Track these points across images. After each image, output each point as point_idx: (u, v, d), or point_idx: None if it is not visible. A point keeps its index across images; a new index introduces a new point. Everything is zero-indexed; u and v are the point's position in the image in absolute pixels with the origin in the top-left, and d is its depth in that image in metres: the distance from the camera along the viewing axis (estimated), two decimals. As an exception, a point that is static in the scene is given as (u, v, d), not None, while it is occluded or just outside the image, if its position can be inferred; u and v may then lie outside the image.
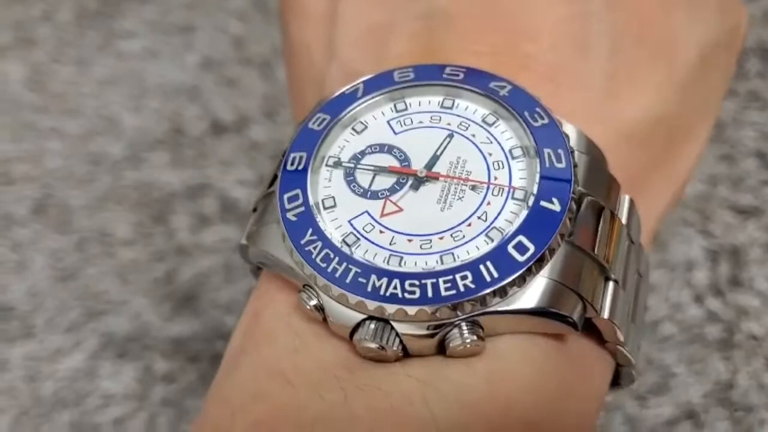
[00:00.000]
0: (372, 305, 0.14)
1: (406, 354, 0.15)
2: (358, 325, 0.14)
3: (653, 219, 0.18)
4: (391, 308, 0.14)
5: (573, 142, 0.16)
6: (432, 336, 0.14)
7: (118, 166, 0.32)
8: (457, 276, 0.14)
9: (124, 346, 0.28)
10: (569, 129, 0.16)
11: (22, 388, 0.27)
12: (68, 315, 0.28)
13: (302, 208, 0.15)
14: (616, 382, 0.17)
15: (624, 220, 0.16)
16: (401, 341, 0.14)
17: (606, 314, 0.15)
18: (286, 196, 0.16)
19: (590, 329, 0.15)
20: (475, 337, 0.14)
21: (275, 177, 0.17)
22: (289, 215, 0.15)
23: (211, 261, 0.29)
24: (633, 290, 0.16)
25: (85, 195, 0.31)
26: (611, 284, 0.15)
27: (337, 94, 0.17)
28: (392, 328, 0.14)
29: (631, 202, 0.16)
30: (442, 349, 0.14)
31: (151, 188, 0.31)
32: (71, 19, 0.36)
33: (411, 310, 0.14)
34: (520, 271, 0.14)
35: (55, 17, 0.36)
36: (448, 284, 0.14)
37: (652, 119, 0.17)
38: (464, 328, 0.14)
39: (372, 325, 0.14)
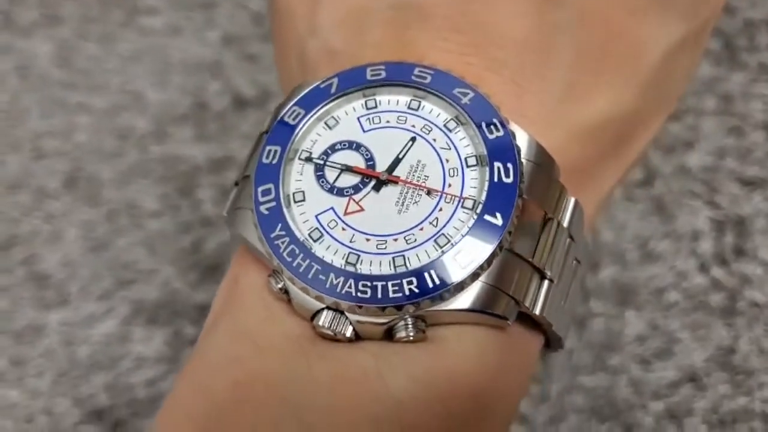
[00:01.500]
0: (329, 300, 0.16)
1: (358, 338, 0.17)
2: (318, 311, 0.16)
3: (598, 201, 0.20)
4: (345, 304, 0.16)
5: (524, 151, 0.17)
6: (381, 325, 0.16)
7: (143, 141, 0.33)
8: (404, 281, 0.16)
9: (154, 313, 0.29)
10: (522, 138, 0.17)
11: (59, 352, 0.29)
12: (100, 283, 0.30)
13: (273, 203, 0.17)
14: (547, 345, 0.19)
15: (566, 223, 0.18)
16: (354, 328, 0.16)
17: (538, 310, 0.17)
18: (260, 189, 0.17)
19: (525, 316, 0.17)
20: (417, 330, 0.16)
21: (252, 154, 0.18)
22: (262, 208, 0.17)
23: (235, 232, 0.30)
24: (569, 279, 0.18)
25: (113, 168, 0.33)
26: (546, 283, 0.17)
27: (312, 86, 0.18)
28: (346, 317, 0.16)
29: (576, 204, 0.18)
30: (389, 336, 0.17)
31: (176, 162, 0.33)
32: (95, -5, 0.37)
33: (362, 306, 0.16)
34: (459, 280, 0.16)
35: (80, -6, 0.37)
36: (396, 287, 0.16)
37: (607, 120, 0.19)
38: (409, 321, 0.16)
39: (329, 314, 0.16)
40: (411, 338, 0.16)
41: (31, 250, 0.31)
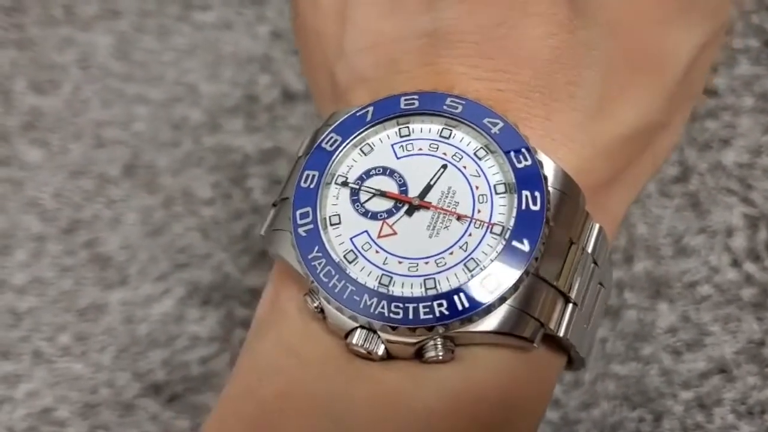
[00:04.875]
0: (362, 320, 0.17)
1: (389, 357, 0.17)
2: (351, 330, 0.17)
3: (626, 205, 0.20)
4: (377, 324, 0.17)
5: (551, 180, 0.18)
6: (412, 345, 0.17)
7: (197, 131, 0.35)
8: (435, 303, 0.17)
9: (207, 295, 0.31)
10: (549, 167, 0.18)
11: (120, 329, 0.31)
12: (158, 266, 0.32)
13: (311, 225, 0.18)
14: (569, 364, 0.20)
15: (590, 249, 0.18)
16: (385, 347, 0.17)
17: (562, 333, 0.18)
18: (298, 212, 0.18)
19: (550, 336, 0.18)
20: (446, 351, 0.17)
21: (288, 180, 0.19)
22: (300, 230, 0.18)
23: (284, 219, 0.32)
24: (592, 302, 0.19)
25: (169, 157, 0.34)
26: (570, 306, 0.18)
27: (349, 114, 0.19)
28: (378, 337, 0.17)
29: (600, 230, 0.18)
30: (419, 355, 0.17)
31: (227, 152, 0.34)
32: (151, -10, 0.39)
33: (394, 327, 0.17)
34: (487, 304, 0.17)
35: (137, -11, 0.39)
36: (427, 309, 0.17)
37: (635, 132, 0.19)
38: (438, 342, 0.17)
39: (362, 333, 0.17)
40: (440, 358, 0.17)
41: (93, 233, 0.33)
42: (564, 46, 0.18)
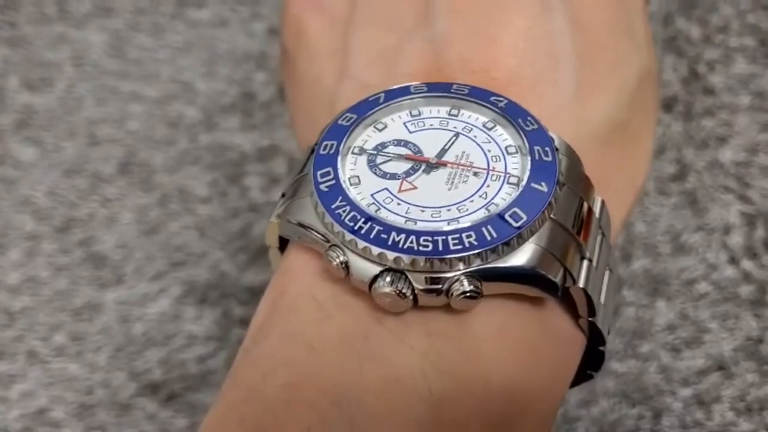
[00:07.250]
0: (391, 255, 0.17)
1: (415, 304, 0.17)
2: (377, 276, 0.17)
3: (619, 219, 0.21)
4: (407, 258, 0.17)
5: (556, 143, 0.19)
6: (438, 292, 0.17)
7: (193, 129, 0.35)
8: (463, 235, 0.17)
9: (204, 293, 0.31)
10: (552, 135, 0.19)
11: (116, 329, 0.31)
12: (154, 265, 0.32)
13: (333, 182, 0.18)
14: (588, 374, 0.20)
15: (597, 214, 0.19)
16: (413, 290, 0.17)
17: (582, 284, 0.18)
18: (319, 173, 0.19)
19: (565, 305, 0.18)
20: (473, 288, 0.17)
21: (304, 165, 0.20)
22: (322, 187, 0.18)
23: (281, 218, 0.32)
24: (604, 278, 0.19)
25: (165, 155, 0.34)
26: (586, 262, 0.18)
27: (361, 99, 0.20)
28: (407, 277, 0.17)
29: (603, 203, 0.19)
30: (447, 301, 0.17)
31: (224, 150, 0.34)
32: (145, -13, 0.38)
33: (424, 260, 0.17)
34: (514, 235, 0.17)
35: (131, -14, 0.38)
36: (456, 241, 0.17)
37: (611, 123, 0.21)
38: (464, 280, 0.17)
39: (389, 276, 0.17)
40: (468, 295, 0.17)
41: (88, 232, 0.33)
42: (541, 36, 0.20)
